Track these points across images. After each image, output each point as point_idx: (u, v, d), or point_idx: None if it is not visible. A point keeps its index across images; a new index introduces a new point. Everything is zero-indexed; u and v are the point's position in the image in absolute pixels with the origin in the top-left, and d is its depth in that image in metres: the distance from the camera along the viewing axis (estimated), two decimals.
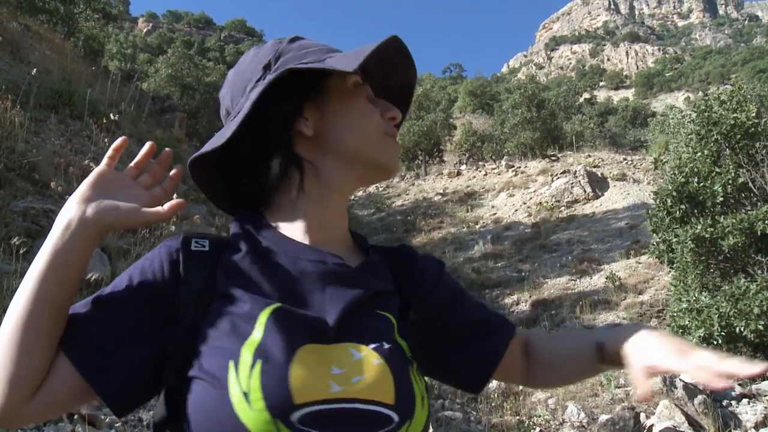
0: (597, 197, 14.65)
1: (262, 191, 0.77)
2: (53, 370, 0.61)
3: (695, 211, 6.29)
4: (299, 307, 0.66)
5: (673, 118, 13.31)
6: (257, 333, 0.62)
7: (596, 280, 9.92)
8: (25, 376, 0.59)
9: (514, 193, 16.39)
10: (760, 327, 5.04)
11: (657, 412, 4.72)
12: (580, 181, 15.05)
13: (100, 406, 2.63)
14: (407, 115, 0.88)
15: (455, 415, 4.82)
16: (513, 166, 18.64)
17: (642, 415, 4.82)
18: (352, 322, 0.68)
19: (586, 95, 49.82)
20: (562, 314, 8.60)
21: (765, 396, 5.13)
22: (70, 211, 0.64)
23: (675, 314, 5.81)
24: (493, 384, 5.55)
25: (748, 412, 4.80)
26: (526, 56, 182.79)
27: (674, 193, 6.39)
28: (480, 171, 19.37)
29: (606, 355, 0.76)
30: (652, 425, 4.55)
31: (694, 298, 5.66)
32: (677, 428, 4.41)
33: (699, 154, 6.60)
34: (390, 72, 0.80)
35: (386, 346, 0.68)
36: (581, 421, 4.88)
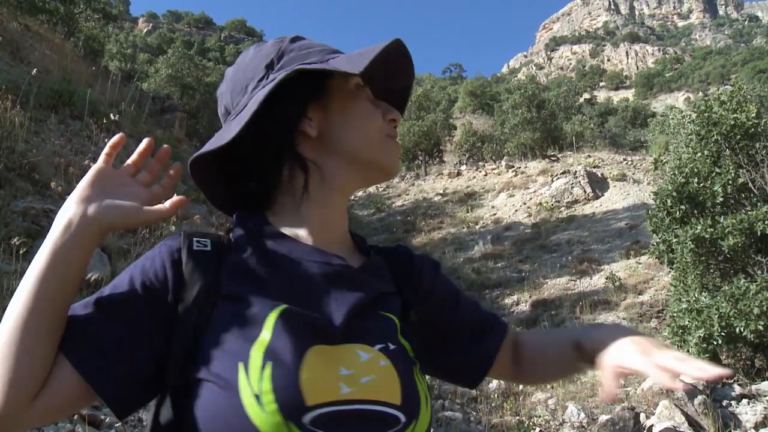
0: (597, 197, 14.65)
1: (263, 191, 0.76)
2: (53, 372, 0.60)
3: (695, 211, 6.29)
4: (306, 309, 0.66)
5: (673, 119, 13.32)
6: (266, 335, 0.62)
7: (596, 281, 9.92)
8: (25, 376, 0.58)
9: (514, 194, 16.38)
10: (760, 327, 5.04)
11: (657, 413, 4.72)
12: (580, 182, 15.06)
13: (99, 406, 2.63)
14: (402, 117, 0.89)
15: (455, 416, 4.82)
16: (513, 167, 18.64)
17: (642, 416, 4.82)
18: (358, 324, 0.68)
19: (586, 95, 49.79)
20: (562, 315, 8.60)
21: (765, 396, 5.13)
22: (70, 211, 0.63)
23: (675, 315, 5.81)
24: (493, 384, 5.55)
25: (747, 413, 4.80)
26: (526, 56, 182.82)
27: (674, 194, 6.39)
28: (480, 171, 19.36)
29: (584, 354, 0.77)
30: (652, 425, 4.55)
31: (694, 298, 5.66)
32: (677, 428, 4.41)
33: (699, 154, 6.60)
34: (390, 74, 0.80)
35: (391, 347, 0.68)
36: (581, 422, 4.88)
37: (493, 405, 5.23)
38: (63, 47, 10.92)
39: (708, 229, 5.74)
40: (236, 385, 0.58)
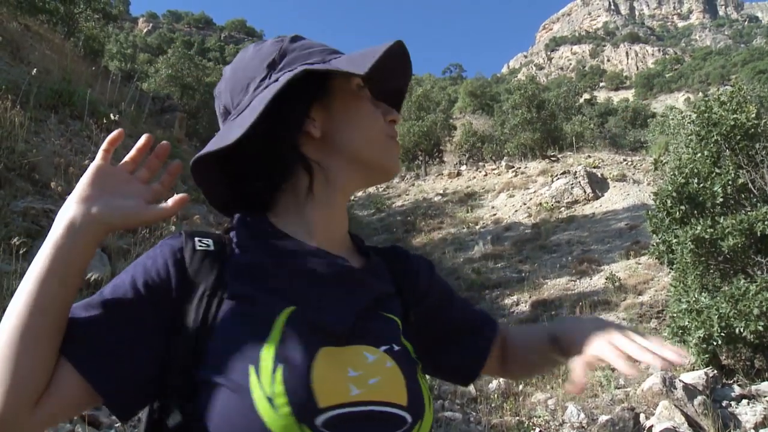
0: (597, 198, 14.66)
1: (264, 191, 0.76)
2: (55, 376, 0.59)
3: (695, 211, 6.29)
4: (313, 310, 0.66)
5: (673, 119, 13.34)
6: (275, 336, 0.61)
7: (596, 281, 9.92)
8: (26, 377, 0.57)
9: (514, 194, 16.39)
10: (760, 328, 5.04)
11: (657, 413, 4.72)
12: (580, 182, 15.06)
13: (99, 406, 2.62)
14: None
15: (455, 416, 4.81)
16: (513, 167, 18.65)
17: (642, 416, 4.82)
18: (363, 325, 0.69)
19: (586, 96, 49.78)
20: (562, 315, 8.59)
21: (764, 397, 5.14)
22: (70, 211, 0.62)
23: (675, 315, 5.81)
24: (493, 384, 5.55)
25: (747, 413, 4.80)
26: (526, 57, 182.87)
27: (674, 194, 6.39)
28: (480, 171, 19.37)
29: (561, 347, 0.78)
30: (652, 426, 4.55)
31: (693, 298, 5.66)
32: (677, 429, 4.42)
33: (699, 154, 6.60)
34: (388, 75, 0.80)
35: (396, 348, 0.69)
36: (581, 422, 4.88)
37: (492, 405, 5.23)
38: (63, 47, 10.92)
39: (708, 230, 5.74)
40: (248, 388, 0.58)
